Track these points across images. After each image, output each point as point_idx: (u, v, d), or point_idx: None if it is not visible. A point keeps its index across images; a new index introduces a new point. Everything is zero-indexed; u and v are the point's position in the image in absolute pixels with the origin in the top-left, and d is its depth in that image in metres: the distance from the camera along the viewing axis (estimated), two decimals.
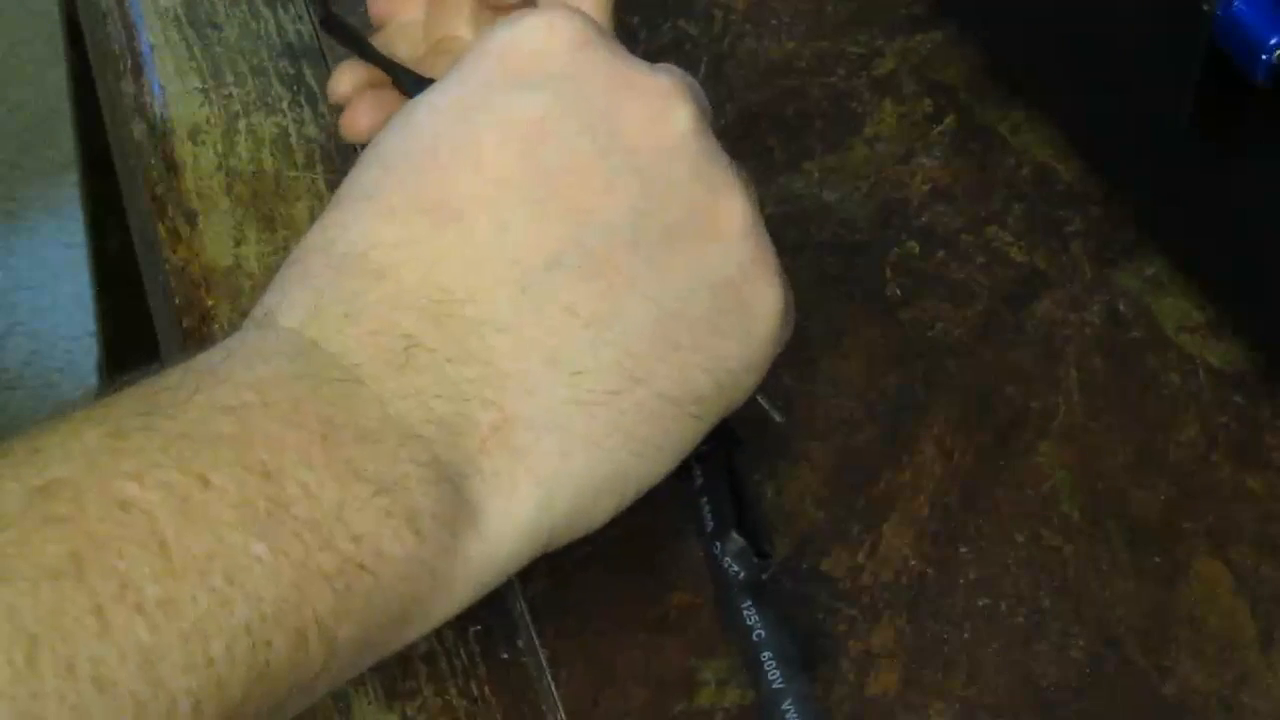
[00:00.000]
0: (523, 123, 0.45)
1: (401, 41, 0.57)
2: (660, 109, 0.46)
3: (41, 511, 0.38)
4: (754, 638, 0.47)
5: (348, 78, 0.56)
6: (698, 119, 0.46)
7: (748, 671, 0.48)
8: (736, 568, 0.48)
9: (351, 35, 0.57)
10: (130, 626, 0.37)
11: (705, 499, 0.49)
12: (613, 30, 0.52)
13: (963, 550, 0.52)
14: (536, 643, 0.49)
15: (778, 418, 0.51)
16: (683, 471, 0.49)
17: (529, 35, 0.46)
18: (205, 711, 0.38)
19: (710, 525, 0.49)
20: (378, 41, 0.57)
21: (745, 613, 0.48)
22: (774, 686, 0.47)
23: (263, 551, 0.39)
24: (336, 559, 0.40)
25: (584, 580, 0.50)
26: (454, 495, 0.42)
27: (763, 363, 0.47)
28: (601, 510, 0.45)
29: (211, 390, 0.41)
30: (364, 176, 0.46)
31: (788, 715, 0.46)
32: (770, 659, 0.47)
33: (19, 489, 0.38)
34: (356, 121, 0.55)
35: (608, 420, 0.44)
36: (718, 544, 0.48)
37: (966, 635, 0.50)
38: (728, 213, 0.46)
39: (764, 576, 0.48)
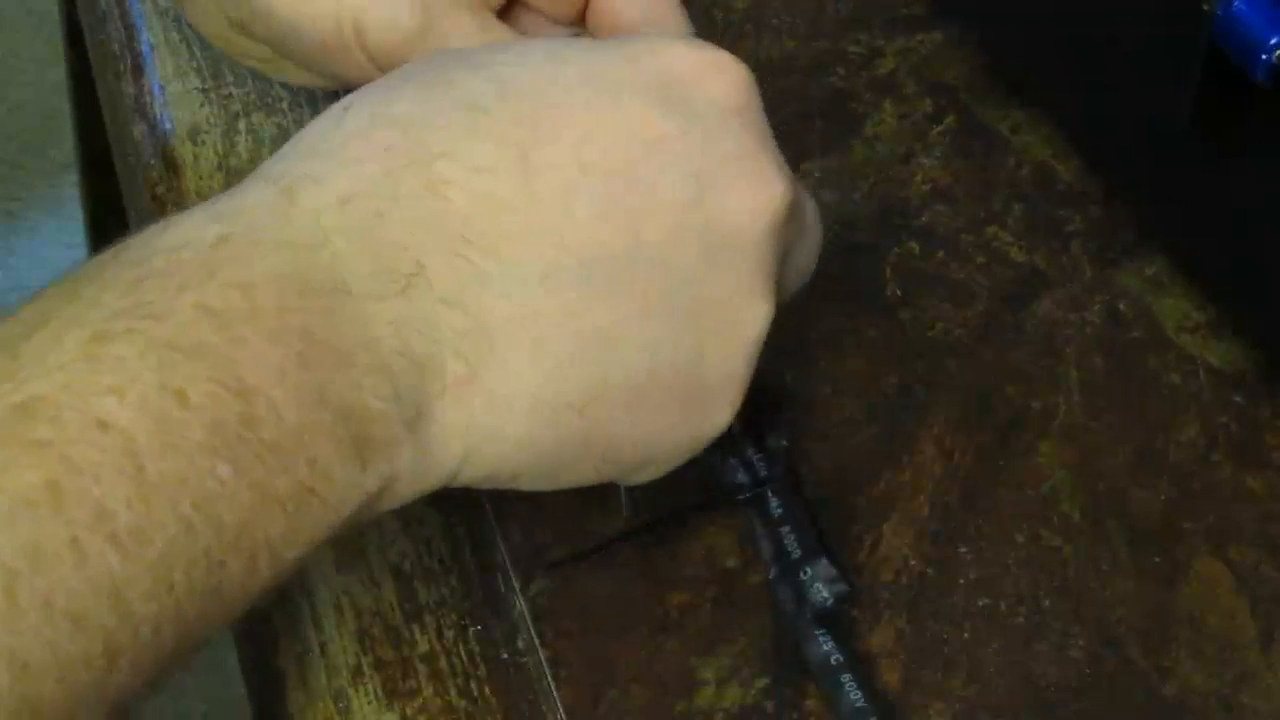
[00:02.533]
0: (641, 132, 0.45)
1: None
2: (759, 203, 0.45)
3: (20, 434, 0.37)
4: (832, 661, 0.48)
5: None
6: (782, 228, 0.46)
7: (825, 696, 0.48)
8: (826, 595, 0.48)
9: None
10: (103, 558, 0.37)
11: (786, 528, 0.49)
12: None
13: (963, 550, 0.52)
14: (536, 643, 0.49)
15: (625, 512, 0.51)
16: (756, 500, 0.50)
17: (702, 63, 0.46)
18: (164, 634, 0.38)
19: (795, 554, 0.49)
20: None
21: (820, 638, 0.48)
22: (857, 706, 0.47)
23: (228, 474, 0.39)
24: (291, 483, 0.40)
25: (584, 580, 0.50)
26: (399, 433, 0.42)
27: (674, 465, 0.47)
28: (481, 486, 0.45)
29: (199, 287, 0.40)
30: (477, 87, 0.45)
31: None
32: (850, 680, 0.48)
33: None
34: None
35: (545, 432, 0.44)
36: (806, 570, 0.48)
37: (966, 635, 0.50)
38: (748, 323, 0.46)
39: (847, 605, 0.49)
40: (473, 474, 0.44)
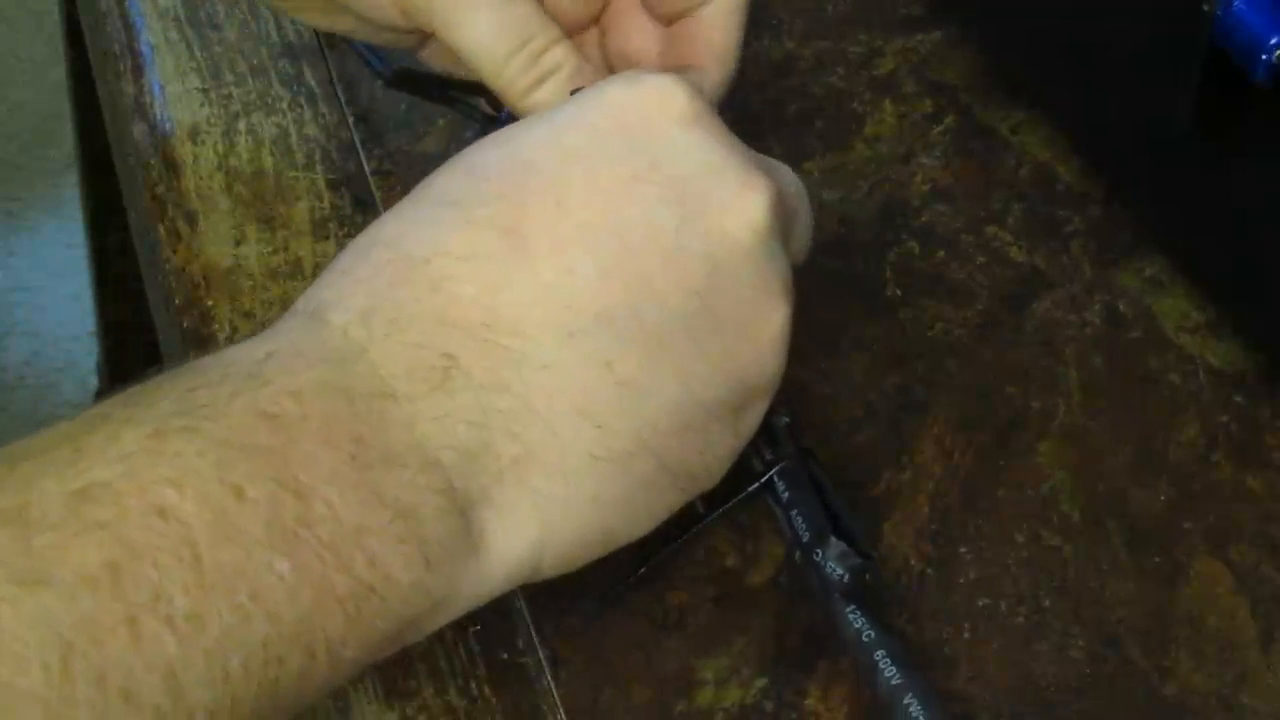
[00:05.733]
0: (614, 178, 0.46)
1: None
2: (745, 204, 0.46)
3: (80, 515, 0.38)
4: (864, 639, 0.48)
5: None
6: (775, 222, 0.47)
7: (861, 674, 0.48)
8: (840, 571, 0.48)
9: (427, 81, 0.57)
10: (159, 639, 0.38)
11: (795, 511, 0.49)
12: (724, 99, 0.53)
13: (963, 550, 0.52)
14: (536, 642, 0.49)
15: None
16: (765, 488, 0.50)
17: (644, 97, 0.47)
18: None
19: (806, 536, 0.49)
20: None
21: (851, 617, 0.48)
22: (893, 683, 0.47)
23: (286, 570, 0.40)
24: (351, 581, 0.41)
25: (584, 580, 0.50)
26: (463, 526, 0.43)
27: (736, 455, 0.48)
28: (582, 561, 0.46)
29: (252, 393, 0.41)
30: (450, 183, 0.47)
31: (910, 709, 0.47)
32: (885, 657, 0.47)
33: (59, 490, 0.38)
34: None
35: (614, 481, 0.45)
36: (818, 551, 0.48)
37: (966, 635, 0.50)
38: (770, 322, 0.47)
39: (867, 577, 0.48)
40: (560, 548, 0.45)
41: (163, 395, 0.41)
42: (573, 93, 0.50)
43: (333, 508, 0.40)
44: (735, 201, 0.46)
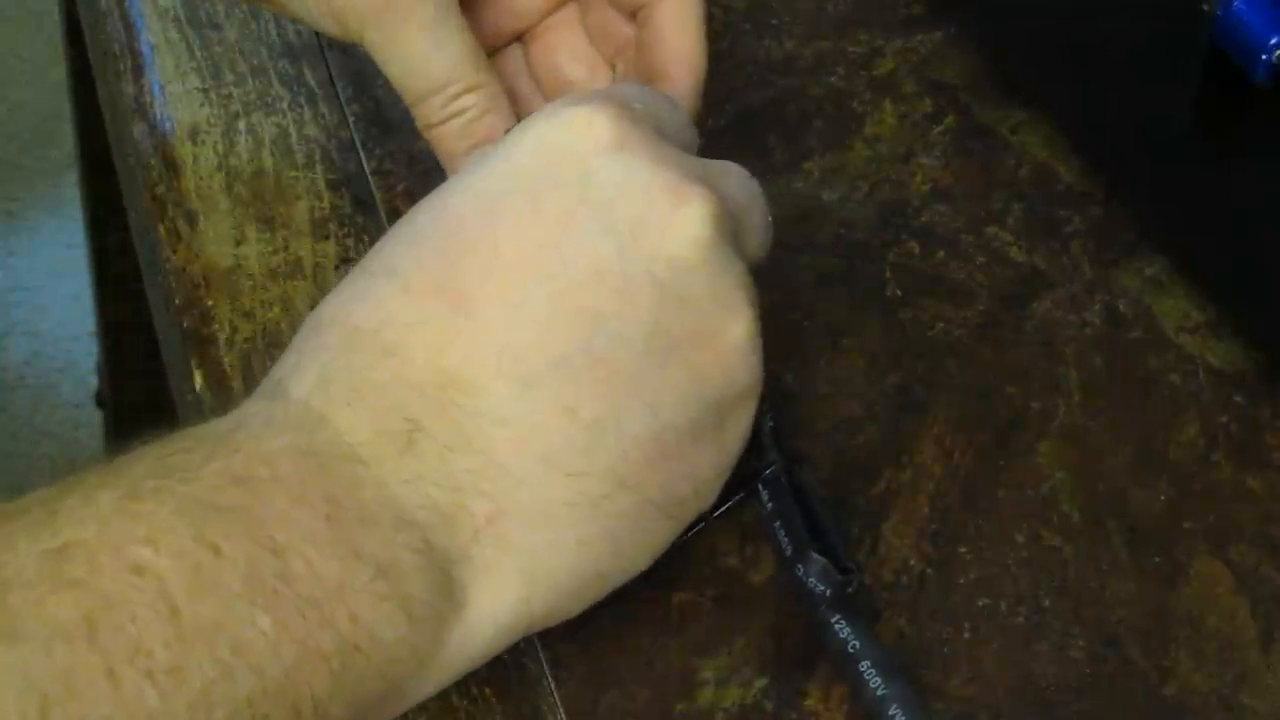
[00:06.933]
0: (546, 216, 0.45)
1: None
2: (682, 220, 0.45)
3: (55, 573, 0.38)
4: (849, 649, 0.48)
5: None
6: (718, 230, 0.46)
7: (847, 684, 0.48)
8: (822, 587, 0.48)
9: None
10: (140, 691, 0.38)
11: (778, 523, 0.49)
12: (695, 115, 0.53)
13: (963, 550, 0.52)
14: (537, 643, 0.49)
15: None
16: (751, 496, 0.50)
17: (566, 129, 0.46)
18: None
19: (788, 549, 0.49)
20: None
21: (836, 627, 0.48)
22: (878, 694, 0.47)
23: (267, 625, 0.39)
24: (335, 638, 0.41)
25: None
26: (443, 583, 0.43)
27: (729, 469, 0.48)
28: (579, 606, 0.46)
29: (225, 458, 0.41)
30: (389, 251, 0.46)
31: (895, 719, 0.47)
32: (869, 668, 0.47)
33: (34, 550, 0.38)
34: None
35: (595, 523, 0.45)
36: (799, 566, 0.48)
37: (966, 635, 0.50)
38: (732, 332, 0.46)
39: (849, 590, 0.48)
40: (549, 597, 0.45)
41: (137, 461, 0.41)
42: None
43: (311, 565, 0.40)
44: (671, 218, 0.45)
